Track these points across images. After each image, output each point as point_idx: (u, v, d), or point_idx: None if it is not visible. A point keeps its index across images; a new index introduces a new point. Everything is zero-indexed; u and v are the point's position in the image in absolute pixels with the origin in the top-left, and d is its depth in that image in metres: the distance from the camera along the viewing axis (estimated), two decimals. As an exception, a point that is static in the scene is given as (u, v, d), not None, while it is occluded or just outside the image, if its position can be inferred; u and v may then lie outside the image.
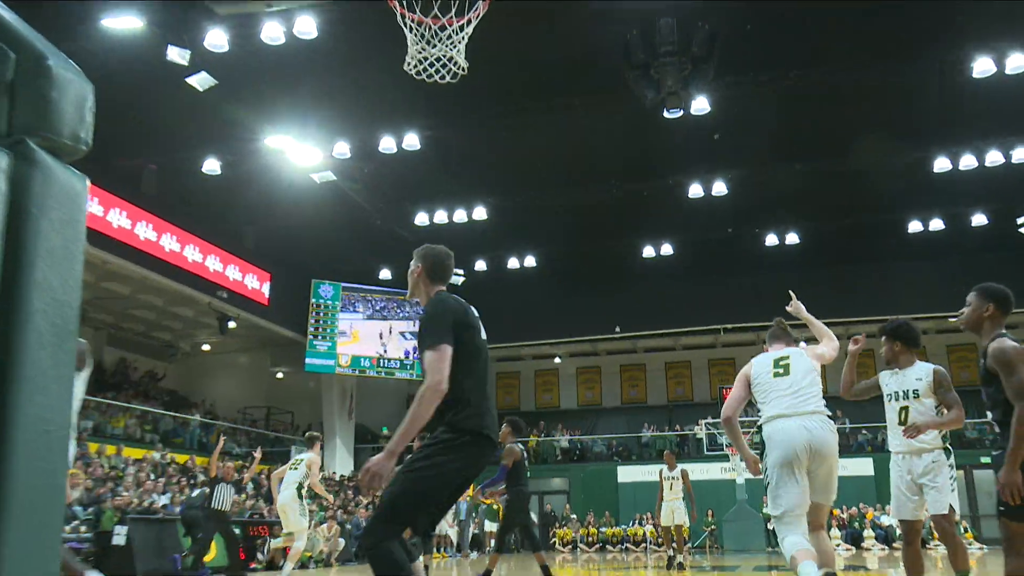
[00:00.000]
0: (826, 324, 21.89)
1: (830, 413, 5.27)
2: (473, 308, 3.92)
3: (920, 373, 5.74)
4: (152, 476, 17.28)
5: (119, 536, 13.37)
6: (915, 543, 5.71)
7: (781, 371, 5.41)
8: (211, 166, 19.33)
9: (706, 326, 27.26)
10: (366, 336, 26.50)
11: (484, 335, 3.91)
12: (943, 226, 23.01)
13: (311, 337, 25.83)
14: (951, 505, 5.49)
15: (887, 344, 5.91)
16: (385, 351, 26.46)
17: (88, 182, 1.13)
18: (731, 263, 25.40)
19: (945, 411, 5.64)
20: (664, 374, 31.35)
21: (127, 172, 19.90)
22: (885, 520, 22.63)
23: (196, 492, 15.25)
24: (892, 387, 5.86)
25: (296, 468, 11.07)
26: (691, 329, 27.71)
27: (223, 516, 12.48)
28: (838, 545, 22.13)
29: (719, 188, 20.90)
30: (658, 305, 26.60)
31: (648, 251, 24.97)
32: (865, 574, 12.84)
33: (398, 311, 27.38)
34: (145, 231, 19.79)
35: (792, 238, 24.02)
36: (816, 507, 5.19)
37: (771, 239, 24.19)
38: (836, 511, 23.10)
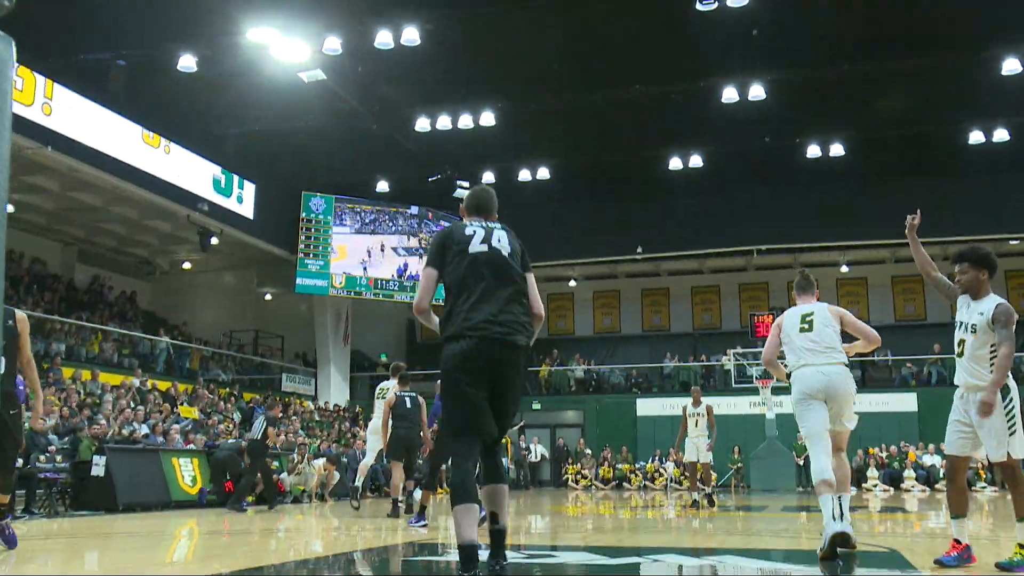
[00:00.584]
0: (873, 246, 21.83)
1: (845, 361, 6.50)
2: (491, 228, 4.72)
3: (984, 307, 5.78)
4: (132, 404, 17.51)
5: (98, 467, 13.67)
6: (958, 480, 5.90)
7: (806, 327, 6.56)
8: (186, 63, 19.04)
9: (738, 247, 27.12)
10: (353, 252, 26.55)
11: (493, 244, 4.64)
12: (1008, 137, 22.63)
13: (301, 255, 25.87)
14: (1008, 453, 5.57)
15: (972, 271, 5.90)
16: (365, 270, 26.49)
17: (13, 45, 1.06)
18: (768, 177, 25.15)
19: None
20: (690, 299, 31.35)
21: (92, 69, 19.61)
22: (927, 460, 22.84)
23: (231, 441, 16.98)
24: (961, 316, 5.93)
25: (383, 397, 12.68)
26: (721, 251, 27.59)
27: (255, 446, 14.54)
28: (875, 486, 22.39)
29: (756, 92, 20.53)
30: (685, 223, 26.45)
31: (675, 163, 24.70)
32: (903, 516, 13.00)
33: (390, 224, 27.32)
34: (114, 134, 19.62)
35: (837, 149, 23.69)
36: (834, 434, 6.49)
37: (813, 150, 23.86)
38: (874, 450, 23.30)
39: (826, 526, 6.05)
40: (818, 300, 6.91)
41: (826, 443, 6.38)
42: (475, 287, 4.51)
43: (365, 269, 26.53)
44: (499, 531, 4.45)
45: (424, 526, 10.03)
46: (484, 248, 4.61)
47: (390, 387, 12.37)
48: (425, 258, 4.66)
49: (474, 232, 4.67)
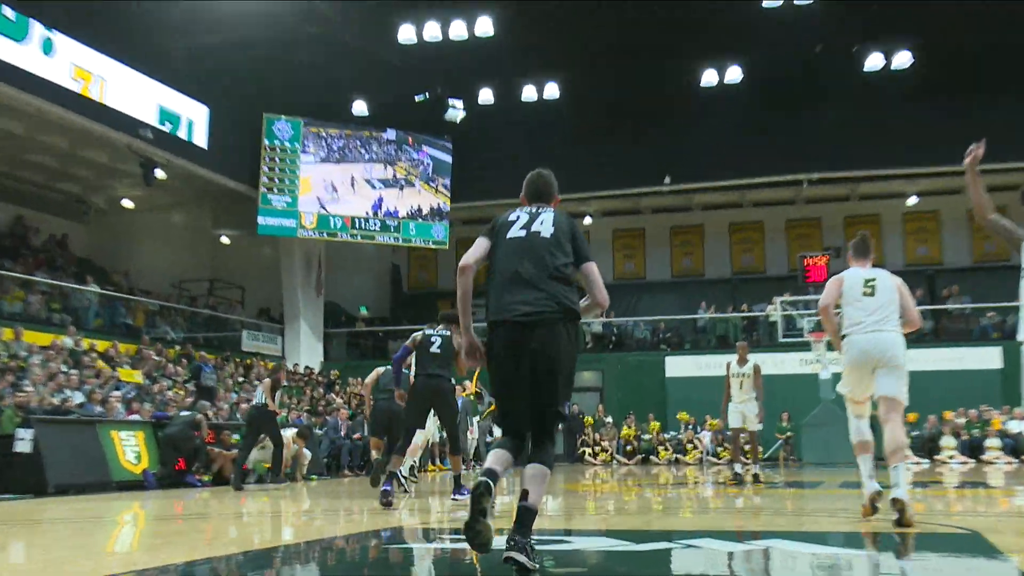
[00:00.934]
0: (947, 173, 21.77)
1: (900, 331, 7.49)
2: (537, 213, 5.43)
3: None
4: (64, 368, 17.47)
5: (23, 441, 13.62)
6: None
7: (869, 291, 7.54)
8: (125, -38, 18.78)
9: (785, 176, 26.93)
10: (316, 185, 26.37)
11: (533, 228, 5.33)
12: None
13: (264, 190, 25.70)
14: None
15: None
16: (323, 207, 26.16)
17: None
18: (819, 94, 24.88)
19: None
20: (728, 239, 31.23)
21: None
22: (1014, 426, 22.76)
23: (185, 413, 16.89)
24: None
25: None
26: (764, 180, 27.41)
27: (263, 414, 15.02)
28: (951, 457, 22.37)
29: (806, -11, 20.28)
30: (721, 148, 26.20)
31: (709, 77, 24.49)
32: (985, 492, 12.97)
33: (362, 152, 27.09)
34: (41, 49, 19.38)
35: (902, 59, 23.45)
36: (887, 401, 7.38)
37: (874, 60, 23.61)
38: (949, 415, 23.22)
39: (864, 486, 7.46)
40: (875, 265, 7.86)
41: (865, 409, 7.67)
42: (506, 272, 5.26)
43: (323, 207, 26.23)
44: (523, 508, 4.90)
45: (388, 495, 9.95)
46: (522, 234, 5.32)
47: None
48: None
49: (517, 218, 5.42)
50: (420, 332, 10.82)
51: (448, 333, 10.72)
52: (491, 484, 4.74)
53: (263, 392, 15.09)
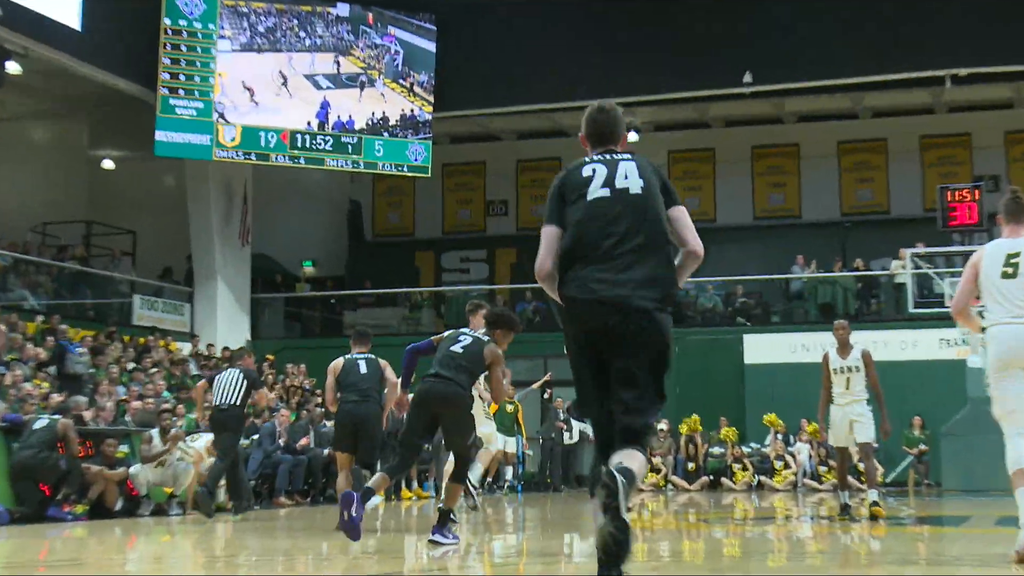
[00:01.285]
0: None
1: None
2: (615, 161, 6.01)
3: None
4: None
5: None
6: None
7: (1010, 271, 7.86)
8: None
9: (918, 72, 26.80)
10: (232, 85, 26.31)
11: (618, 184, 5.92)
12: None
13: (165, 92, 25.62)
14: None
15: None
16: (222, 116, 25.74)
17: None
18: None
19: None
20: (836, 163, 31.24)
21: None
22: None
23: (44, 420, 16.27)
24: None
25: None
26: (889, 78, 27.26)
27: (231, 416, 15.26)
28: None
29: None
30: (826, 33, 26.13)
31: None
32: None
33: (299, 35, 26.89)
34: None
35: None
36: None
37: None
38: None
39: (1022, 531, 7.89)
40: None
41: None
42: (592, 241, 5.84)
43: (223, 115, 25.87)
44: (622, 469, 5.39)
45: (353, 526, 9.51)
46: (606, 192, 5.92)
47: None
48: (545, 213, 6.07)
49: (593, 172, 5.99)
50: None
51: (486, 339, 10.83)
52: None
53: (234, 388, 15.17)
